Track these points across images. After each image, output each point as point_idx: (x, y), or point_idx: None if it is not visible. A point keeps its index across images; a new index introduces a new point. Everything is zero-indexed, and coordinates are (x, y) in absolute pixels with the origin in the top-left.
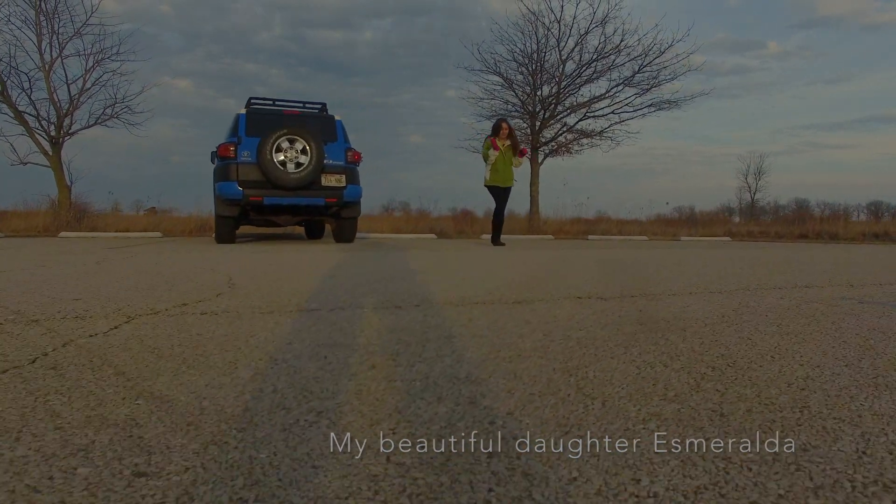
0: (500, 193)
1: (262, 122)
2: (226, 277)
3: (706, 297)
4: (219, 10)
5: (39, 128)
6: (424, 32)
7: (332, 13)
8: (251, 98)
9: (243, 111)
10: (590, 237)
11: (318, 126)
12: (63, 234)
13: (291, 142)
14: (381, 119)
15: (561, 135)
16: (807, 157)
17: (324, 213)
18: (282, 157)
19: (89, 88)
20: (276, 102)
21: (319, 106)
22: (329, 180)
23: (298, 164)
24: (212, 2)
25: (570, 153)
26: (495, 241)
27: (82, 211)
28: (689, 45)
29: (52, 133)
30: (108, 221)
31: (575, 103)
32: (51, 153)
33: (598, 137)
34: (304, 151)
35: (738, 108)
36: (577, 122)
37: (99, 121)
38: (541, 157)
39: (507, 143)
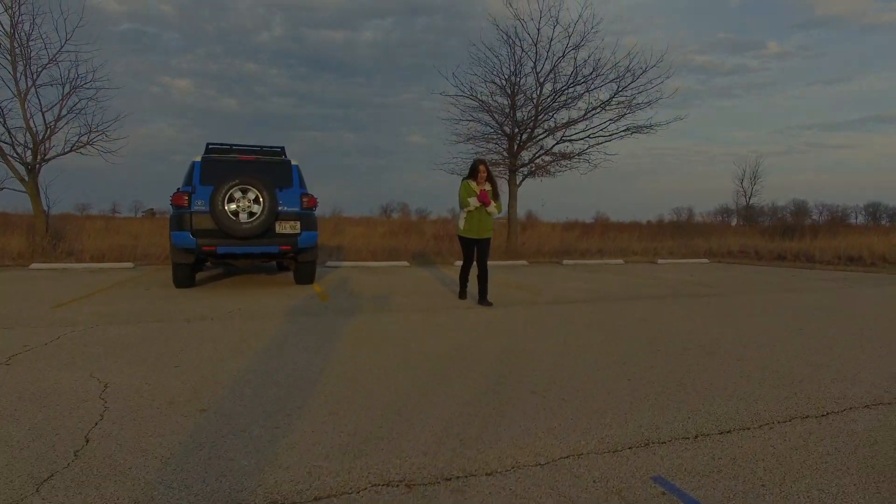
0: (473, 246)
1: (216, 170)
2: (97, 414)
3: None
4: (220, 10)
5: (15, 154)
6: (425, 32)
7: (333, 13)
8: (209, 144)
9: (198, 159)
10: (565, 262)
11: (273, 173)
12: (35, 265)
13: (244, 191)
14: (381, 119)
15: (538, 157)
16: (806, 157)
17: (279, 258)
18: (234, 207)
19: (65, 115)
20: (234, 147)
21: (278, 150)
22: (283, 227)
23: (251, 214)
24: (213, 2)
25: (549, 174)
26: (482, 298)
27: (58, 237)
28: (664, 70)
29: (28, 160)
30: (84, 246)
31: (552, 126)
32: (27, 179)
33: (576, 159)
34: (256, 201)
35: (739, 107)
36: (555, 146)
37: (74, 148)
38: (519, 179)
39: (487, 187)
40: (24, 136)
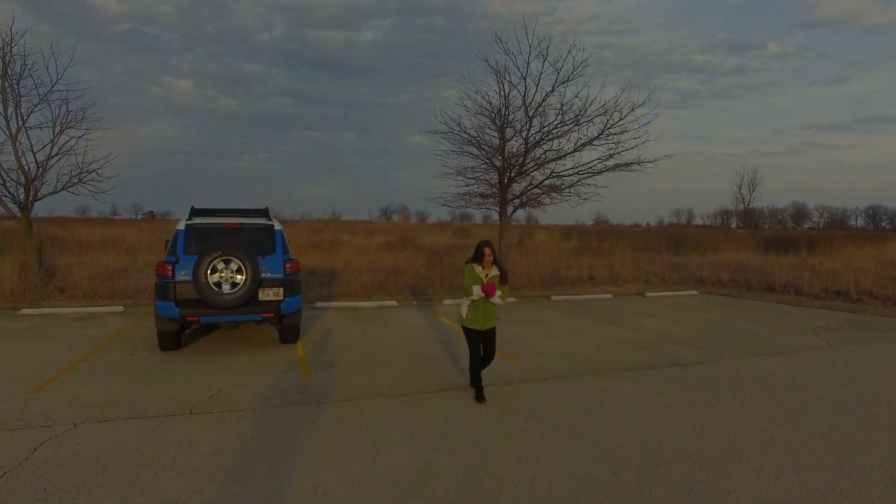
0: (478, 337)
1: (200, 239)
2: None
3: None
4: (220, 11)
5: (6, 193)
6: (425, 33)
7: (333, 14)
8: (193, 207)
9: (182, 227)
10: (553, 298)
11: (257, 239)
12: (25, 310)
13: (227, 262)
14: (381, 119)
15: (529, 190)
16: (807, 157)
17: (263, 323)
18: (217, 279)
19: (56, 155)
20: (219, 211)
21: (263, 210)
22: (266, 294)
23: (234, 285)
24: (213, 2)
25: (540, 205)
26: (476, 386)
27: (50, 273)
28: (650, 108)
29: (21, 198)
30: (76, 280)
31: (543, 159)
32: (19, 216)
33: (566, 192)
34: (239, 271)
35: (739, 108)
36: (545, 180)
37: (66, 187)
38: (510, 210)
39: (494, 272)
40: (17, 175)
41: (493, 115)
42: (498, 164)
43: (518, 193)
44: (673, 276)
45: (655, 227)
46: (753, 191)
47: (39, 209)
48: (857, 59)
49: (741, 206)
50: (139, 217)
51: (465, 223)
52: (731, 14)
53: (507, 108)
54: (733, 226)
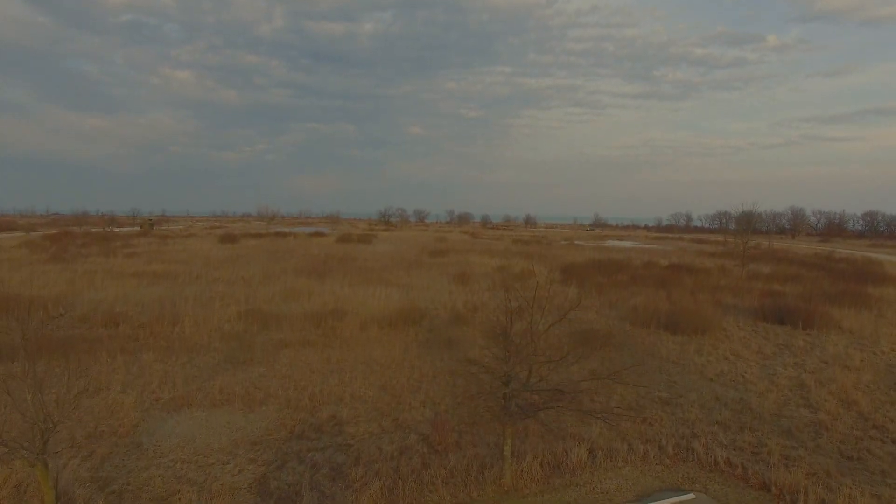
0: None
1: None
2: None
3: None
4: (221, 2)
5: (22, 446)
6: (425, 25)
7: (333, 5)
8: None
9: None
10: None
11: None
12: None
13: None
14: (380, 110)
15: (529, 414)
16: (805, 149)
17: None
18: None
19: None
20: None
21: None
22: None
23: None
24: None
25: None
26: None
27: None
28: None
29: (37, 449)
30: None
31: (542, 386)
32: (35, 465)
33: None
34: None
35: (738, 100)
36: (544, 406)
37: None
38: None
39: None
40: (32, 429)
41: (499, 336)
42: (503, 381)
43: (517, 412)
44: (671, 438)
45: (654, 229)
46: (752, 224)
47: (40, 208)
48: (855, 52)
49: (740, 211)
50: (137, 226)
51: (462, 224)
52: (730, 7)
53: (510, 330)
54: (732, 228)
